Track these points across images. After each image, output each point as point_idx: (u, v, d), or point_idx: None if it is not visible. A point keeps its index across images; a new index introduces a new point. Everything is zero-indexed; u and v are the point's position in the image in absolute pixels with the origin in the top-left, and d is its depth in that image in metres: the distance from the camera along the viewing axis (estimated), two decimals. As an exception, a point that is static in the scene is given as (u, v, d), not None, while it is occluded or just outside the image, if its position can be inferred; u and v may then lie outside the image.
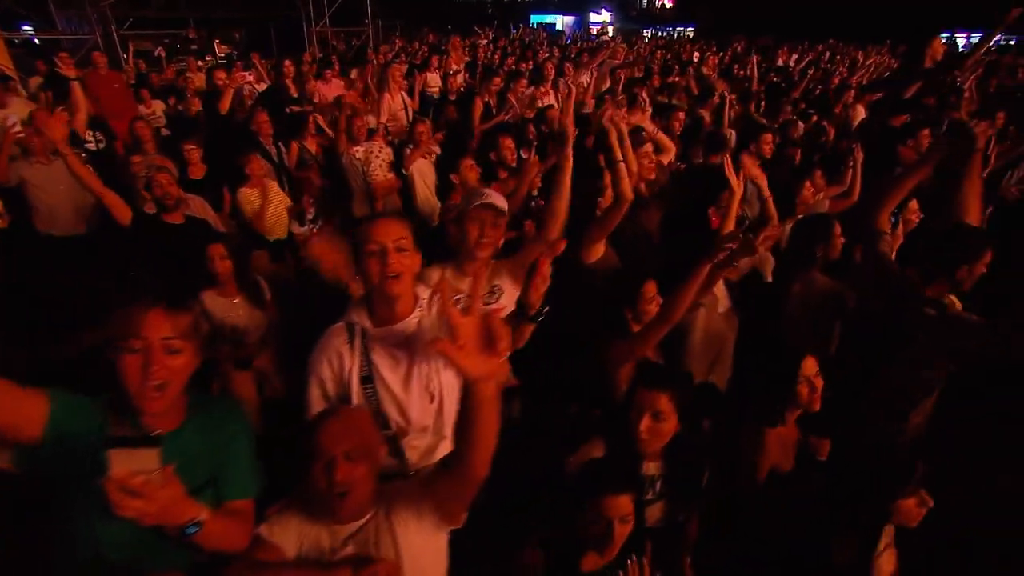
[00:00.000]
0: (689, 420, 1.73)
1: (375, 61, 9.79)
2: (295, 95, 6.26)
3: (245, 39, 17.15)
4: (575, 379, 2.19)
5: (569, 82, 3.80)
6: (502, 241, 2.03)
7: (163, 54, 9.26)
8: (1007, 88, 9.12)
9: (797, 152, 4.60)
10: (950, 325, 2.09)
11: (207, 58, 14.50)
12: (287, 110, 5.52)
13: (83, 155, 4.30)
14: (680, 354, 2.50)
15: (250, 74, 7.15)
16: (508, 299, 2.02)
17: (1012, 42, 20.69)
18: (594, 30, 29.15)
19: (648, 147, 3.17)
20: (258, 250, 3.87)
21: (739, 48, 16.04)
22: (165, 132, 6.20)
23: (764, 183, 2.80)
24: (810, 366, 2.06)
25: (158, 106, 6.70)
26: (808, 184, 3.62)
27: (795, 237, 2.78)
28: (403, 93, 6.03)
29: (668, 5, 30.89)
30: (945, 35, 22.47)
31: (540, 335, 1.66)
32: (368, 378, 1.56)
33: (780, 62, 12.36)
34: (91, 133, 5.08)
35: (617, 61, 7.71)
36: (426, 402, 1.61)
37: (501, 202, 2.00)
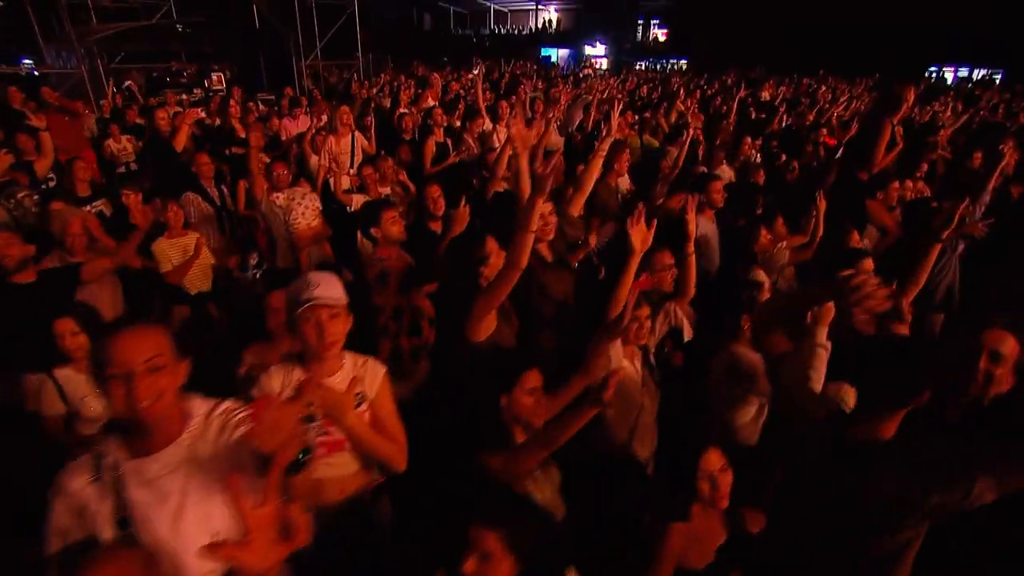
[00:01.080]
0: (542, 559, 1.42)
1: (359, 95, 9.92)
2: (242, 135, 6.13)
3: (236, 73, 17.30)
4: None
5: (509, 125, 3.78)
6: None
7: (135, 87, 9.23)
8: (988, 123, 9.02)
9: (759, 197, 4.41)
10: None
11: (195, 91, 14.65)
12: (227, 151, 5.38)
13: (35, 196, 4.15)
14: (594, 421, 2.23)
15: (201, 110, 7.03)
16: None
17: (998, 77, 20.76)
18: (589, 61, 29.53)
19: (547, 206, 2.79)
20: (178, 305, 3.68)
21: (728, 81, 16.21)
22: (134, 167, 6.16)
23: (690, 240, 2.67)
24: (713, 461, 1.85)
25: (129, 141, 6.65)
26: (764, 232, 3.47)
27: (725, 301, 2.60)
28: (358, 134, 5.85)
29: (662, 38, 31.08)
30: (934, 68, 22.83)
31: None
32: (124, 521, 1.29)
33: (766, 95, 12.25)
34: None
35: (589, 97, 7.78)
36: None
37: (333, 291, 1.80)
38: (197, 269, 3.76)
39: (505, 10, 36.04)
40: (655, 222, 2.41)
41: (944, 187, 4.86)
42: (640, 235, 2.33)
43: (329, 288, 1.79)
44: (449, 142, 5.77)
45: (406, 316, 2.57)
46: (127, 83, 9.91)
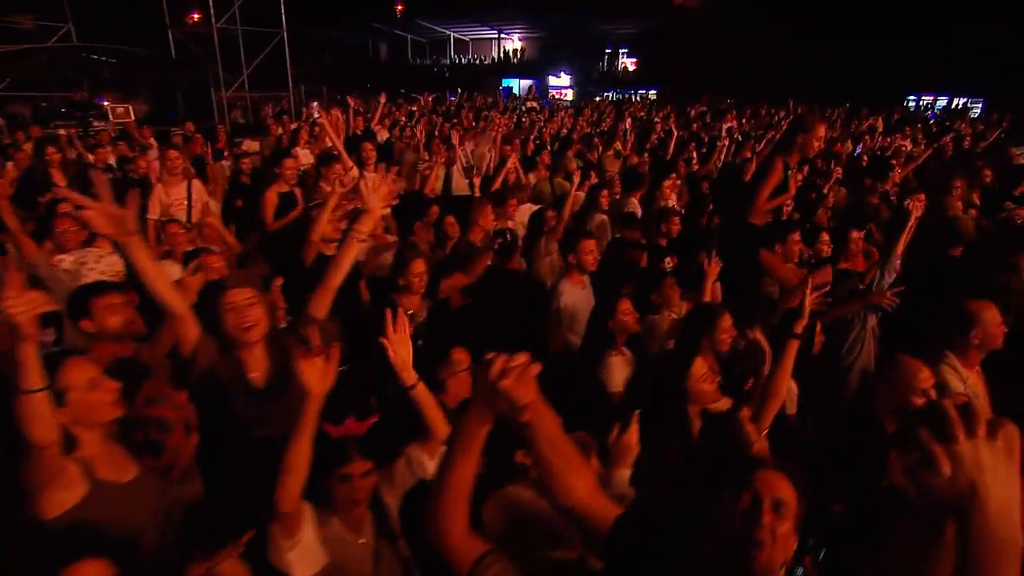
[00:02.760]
0: None
1: (273, 131, 9.75)
2: (60, 183, 5.46)
3: (152, 105, 16.78)
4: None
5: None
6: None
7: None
8: (964, 153, 8.77)
9: (637, 255, 4.19)
10: None
11: (94, 124, 14.01)
12: (40, 199, 4.88)
13: None
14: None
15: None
16: None
17: (977, 106, 21.10)
18: (554, 93, 29.73)
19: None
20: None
21: (693, 113, 16.18)
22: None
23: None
24: None
25: None
26: (623, 306, 3.20)
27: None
28: (196, 182, 5.31)
29: (631, 68, 31.57)
30: (913, 97, 23.28)
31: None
32: None
33: (725, 127, 12.04)
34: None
35: (494, 133, 7.59)
36: None
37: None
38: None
39: (466, 39, 36.76)
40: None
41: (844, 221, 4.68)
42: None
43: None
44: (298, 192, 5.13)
45: (140, 433, 2.08)
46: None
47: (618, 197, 5.71)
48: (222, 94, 16.44)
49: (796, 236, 3.86)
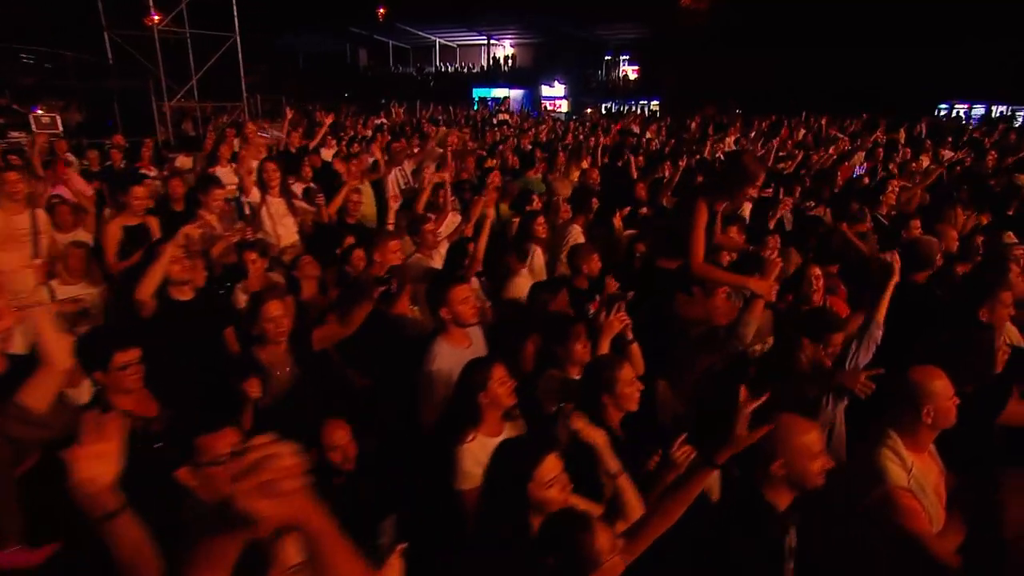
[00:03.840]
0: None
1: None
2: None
3: (87, 114, 16.17)
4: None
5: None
6: None
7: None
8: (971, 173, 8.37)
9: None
10: None
11: (11, 135, 13.35)
12: None
13: None
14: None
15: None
16: None
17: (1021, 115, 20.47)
18: (547, 104, 29.45)
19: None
20: None
21: (692, 125, 15.78)
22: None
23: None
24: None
25: None
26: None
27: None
28: (40, 212, 4.79)
29: (632, 76, 31.25)
30: (944, 106, 22.75)
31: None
32: None
33: (730, 143, 11.47)
34: None
35: (440, 150, 7.29)
36: None
37: None
38: None
39: (453, 45, 36.63)
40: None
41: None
42: None
43: None
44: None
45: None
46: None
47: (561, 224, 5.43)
48: (165, 103, 15.82)
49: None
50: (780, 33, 22.91)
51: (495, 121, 15.81)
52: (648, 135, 12.20)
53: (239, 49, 16.61)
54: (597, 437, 2.38)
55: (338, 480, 2.61)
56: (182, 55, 16.37)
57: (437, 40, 35.98)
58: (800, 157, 9.28)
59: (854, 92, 19.59)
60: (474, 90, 31.60)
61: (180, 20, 16.00)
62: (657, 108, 26.99)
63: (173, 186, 6.24)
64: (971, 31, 20.26)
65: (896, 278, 2.99)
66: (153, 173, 7.87)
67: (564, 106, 29.64)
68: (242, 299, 4.34)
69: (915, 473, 2.27)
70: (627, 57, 32.10)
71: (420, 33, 34.81)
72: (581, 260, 4.29)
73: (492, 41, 34.77)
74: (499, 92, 31.53)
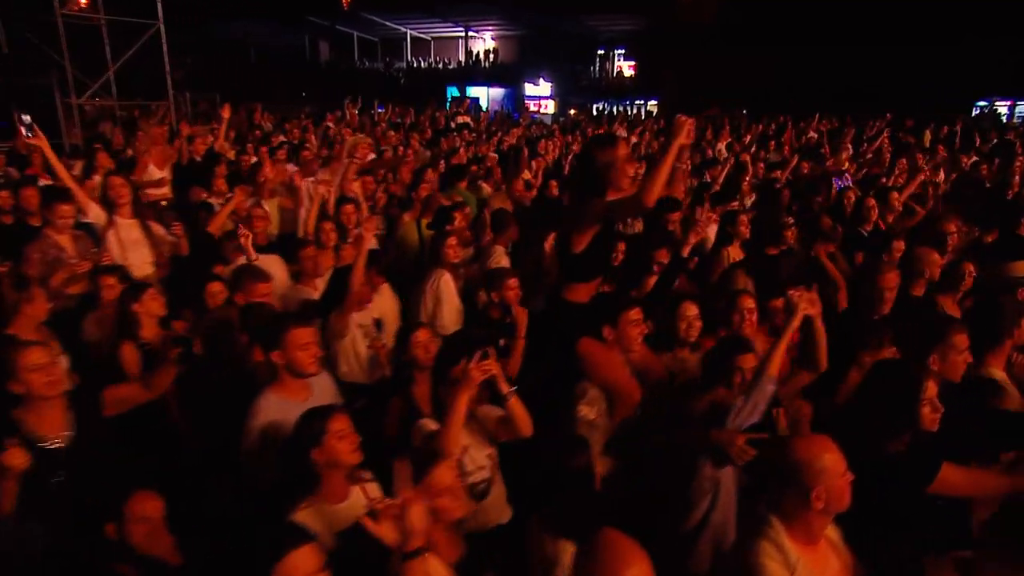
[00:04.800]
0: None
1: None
2: None
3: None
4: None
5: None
6: None
7: None
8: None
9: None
10: None
11: None
12: None
13: None
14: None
15: None
16: None
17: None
18: (531, 104, 29.55)
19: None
20: None
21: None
22: None
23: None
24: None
25: None
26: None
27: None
28: None
29: (629, 73, 31.33)
30: (984, 103, 22.74)
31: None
32: None
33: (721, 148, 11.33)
34: None
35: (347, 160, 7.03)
36: None
37: None
38: None
39: (426, 37, 36.62)
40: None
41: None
42: None
43: None
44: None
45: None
46: None
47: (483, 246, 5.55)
48: (73, 102, 15.51)
49: (633, 314, 3.49)
50: (794, 27, 22.99)
51: (453, 125, 15.43)
52: (633, 139, 11.88)
53: (163, 39, 16.44)
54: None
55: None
56: (96, 45, 16.10)
57: (408, 32, 35.92)
58: (795, 162, 9.19)
59: (875, 91, 19.42)
60: (449, 88, 31.52)
61: (94, 5, 15.75)
62: (656, 109, 26.96)
63: (26, 197, 5.96)
64: (1010, 26, 20.28)
65: (796, 323, 2.94)
66: (49, 182, 7.65)
67: (550, 107, 29.53)
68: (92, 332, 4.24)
69: (800, 571, 2.11)
70: (622, 51, 32.09)
71: (389, 24, 34.75)
72: (493, 287, 4.34)
73: (470, 33, 34.77)
74: (477, 91, 31.52)
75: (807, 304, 3.10)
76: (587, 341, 3.50)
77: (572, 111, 24.39)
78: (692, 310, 3.78)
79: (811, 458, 2.15)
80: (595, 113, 25.58)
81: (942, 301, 4.30)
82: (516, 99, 30.62)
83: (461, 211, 5.88)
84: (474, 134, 13.72)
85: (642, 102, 28.60)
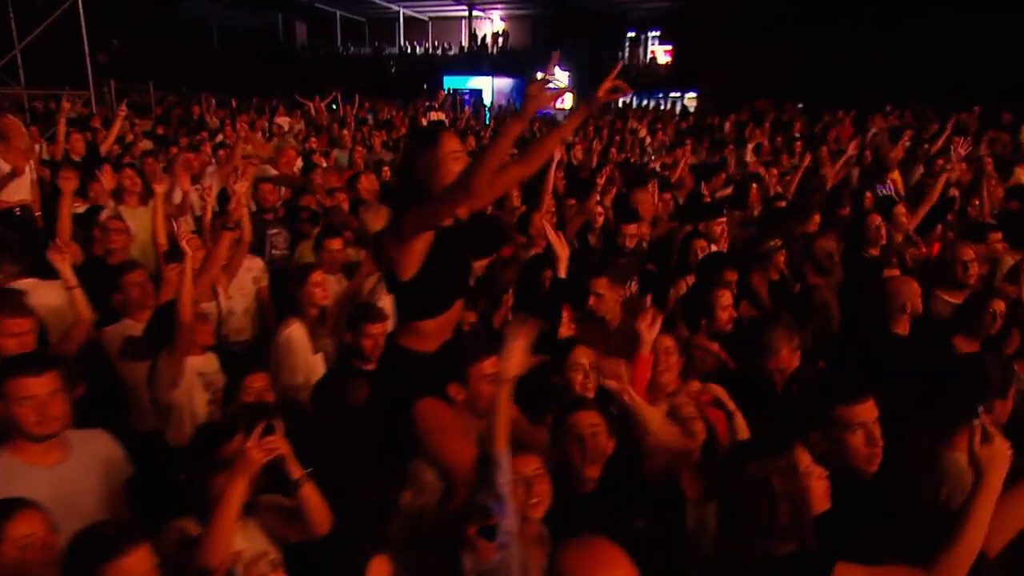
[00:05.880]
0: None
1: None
2: None
3: None
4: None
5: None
6: None
7: None
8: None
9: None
10: None
11: None
12: None
13: None
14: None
15: None
16: None
17: None
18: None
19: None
20: None
21: (727, 126, 16.25)
22: None
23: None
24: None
25: None
26: None
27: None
28: None
29: (664, 60, 30.95)
30: None
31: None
32: None
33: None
34: None
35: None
36: None
37: None
38: None
39: (423, 17, 36.57)
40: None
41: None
42: None
43: None
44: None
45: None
46: None
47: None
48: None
49: (488, 365, 3.33)
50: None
51: (425, 123, 15.27)
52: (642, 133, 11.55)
53: (81, 17, 16.16)
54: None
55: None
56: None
57: (402, 10, 35.83)
58: (807, 161, 9.53)
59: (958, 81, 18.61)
60: (446, 78, 31.42)
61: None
62: (694, 103, 26.71)
63: None
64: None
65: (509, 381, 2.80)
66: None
67: (568, 101, 28.84)
68: None
69: None
70: (657, 34, 31.69)
71: (379, 1, 34.81)
72: (353, 329, 4.44)
73: (475, 13, 34.55)
74: (480, 81, 31.43)
75: (644, 329, 3.40)
76: (426, 404, 3.26)
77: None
78: (584, 357, 3.79)
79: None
80: (621, 108, 24.87)
81: (959, 344, 4.38)
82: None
83: (340, 234, 5.81)
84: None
85: (678, 95, 28.34)
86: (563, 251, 4.50)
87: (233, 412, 3.48)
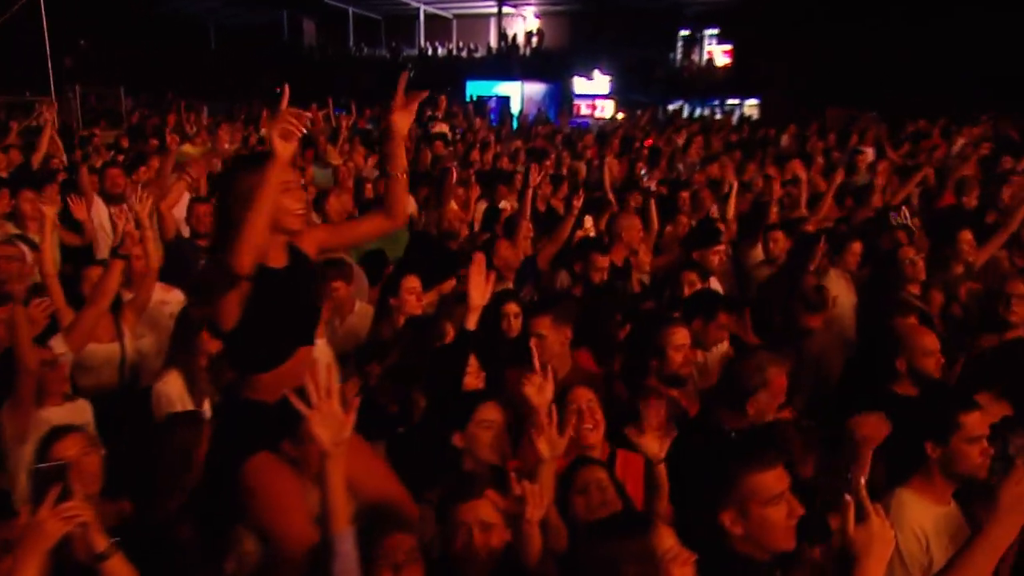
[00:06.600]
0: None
1: None
2: None
3: None
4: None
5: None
6: None
7: None
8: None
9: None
10: None
11: None
12: None
13: None
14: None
15: None
16: None
17: None
18: (582, 105, 30.18)
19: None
20: None
21: (785, 138, 16.10)
22: None
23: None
24: None
25: None
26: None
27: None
28: None
29: (723, 62, 30.78)
30: None
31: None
32: None
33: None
34: None
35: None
36: None
37: None
38: None
39: (447, 15, 36.69)
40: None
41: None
42: None
43: None
44: None
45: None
46: None
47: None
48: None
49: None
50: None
51: (432, 132, 15.05)
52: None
53: (43, 14, 16.63)
54: None
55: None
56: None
57: (423, 7, 35.96)
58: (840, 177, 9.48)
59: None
60: (469, 83, 31.62)
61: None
62: (755, 112, 26.43)
63: None
64: None
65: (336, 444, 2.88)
66: None
67: (607, 108, 28.97)
68: None
69: None
70: (715, 32, 31.58)
71: (397, -2, 35.27)
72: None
73: (506, 9, 34.36)
74: (508, 87, 31.33)
75: (533, 395, 3.45)
76: (257, 460, 3.29)
77: (638, 113, 23.18)
78: (494, 414, 3.94)
79: None
80: (669, 117, 24.49)
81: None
82: (563, 98, 30.57)
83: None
84: (450, 147, 13.61)
85: (737, 102, 28.28)
86: (479, 298, 4.37)
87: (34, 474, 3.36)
